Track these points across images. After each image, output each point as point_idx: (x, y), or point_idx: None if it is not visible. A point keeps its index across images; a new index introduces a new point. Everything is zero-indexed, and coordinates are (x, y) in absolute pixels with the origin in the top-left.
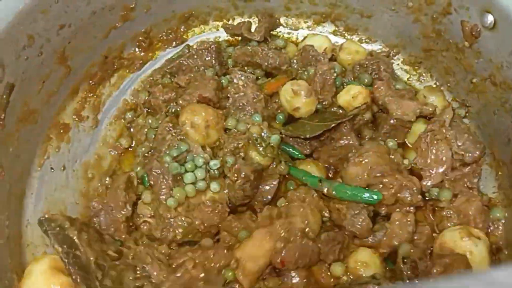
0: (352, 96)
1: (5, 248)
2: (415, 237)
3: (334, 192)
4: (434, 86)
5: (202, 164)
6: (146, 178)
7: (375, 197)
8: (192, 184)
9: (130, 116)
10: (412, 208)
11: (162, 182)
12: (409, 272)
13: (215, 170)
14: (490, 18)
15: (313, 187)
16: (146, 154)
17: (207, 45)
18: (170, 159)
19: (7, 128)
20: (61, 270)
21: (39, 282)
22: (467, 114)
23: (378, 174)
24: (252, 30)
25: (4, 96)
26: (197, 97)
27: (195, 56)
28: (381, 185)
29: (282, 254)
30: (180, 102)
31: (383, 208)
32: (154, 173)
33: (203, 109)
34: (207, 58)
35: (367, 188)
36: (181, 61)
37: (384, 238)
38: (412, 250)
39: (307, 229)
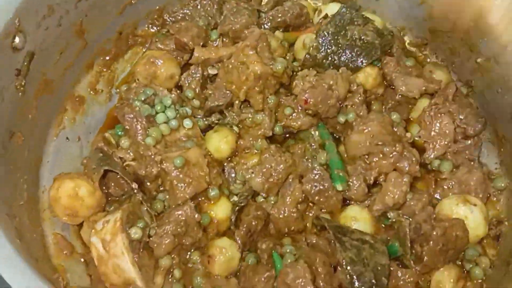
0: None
1: (24, 210)
2: (412, 203)
3: (327, 158)
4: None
5: (170, 104)
6: (119, 128)
7: (338, 186)
8: (165, 123)
9: None
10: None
11: (137, 124)
12: (411, 233)
13: (186, 110)
14: None
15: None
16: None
17: None
18: (139, 103)
19: (27, 95)
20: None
21: (67, 183)
22: (470, 93)
23: (379, 143)
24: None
25: (25, 64)
26: (174, 41)
27: (198, 6)
28: (381, 154)
29: (306, 95)
30: (159, 46)
31: (382, 176)
32: (127, 118)
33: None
34: (208, 9)
35: (346, 176)
36: (183, 10)
37: (378, 196)
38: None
39: (333, 87)
